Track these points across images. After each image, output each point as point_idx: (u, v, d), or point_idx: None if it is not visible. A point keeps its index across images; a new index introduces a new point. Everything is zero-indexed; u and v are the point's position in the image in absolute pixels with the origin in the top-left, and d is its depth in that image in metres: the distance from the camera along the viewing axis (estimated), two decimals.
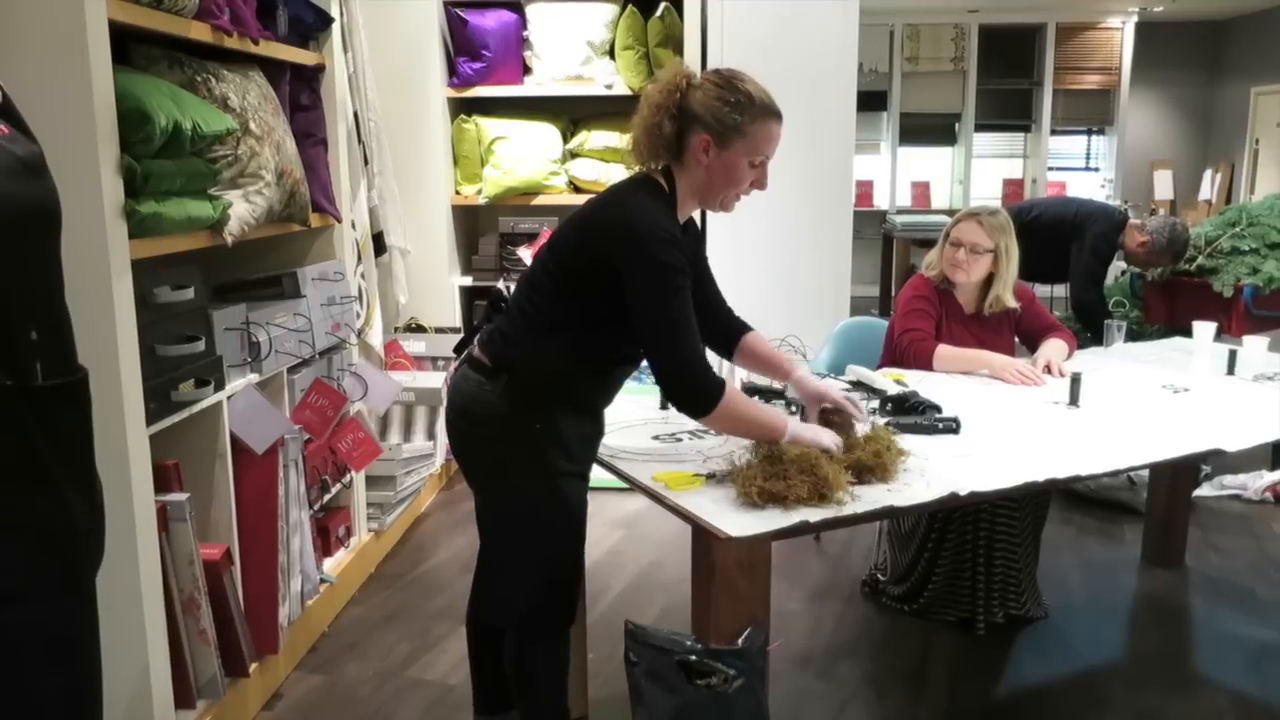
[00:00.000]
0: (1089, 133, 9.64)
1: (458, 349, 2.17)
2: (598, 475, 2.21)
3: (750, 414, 2.00)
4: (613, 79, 4.40)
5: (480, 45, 4.37)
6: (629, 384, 2.17)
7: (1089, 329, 4.15)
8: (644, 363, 2.02)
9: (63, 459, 1.32)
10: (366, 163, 3.53)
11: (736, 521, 1.76)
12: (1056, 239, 4.35)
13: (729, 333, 2.34)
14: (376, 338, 3.62)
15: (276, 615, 2.63)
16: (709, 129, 1.94)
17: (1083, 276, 4.37)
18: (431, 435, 4.12)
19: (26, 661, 1.30)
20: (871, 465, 2.00)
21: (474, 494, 2.16)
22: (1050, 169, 9.35)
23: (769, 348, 2.35)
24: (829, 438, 2.02)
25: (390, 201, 3.96)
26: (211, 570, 2.33)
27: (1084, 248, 4.35)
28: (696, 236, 2.27)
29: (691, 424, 2.26)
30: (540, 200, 4.50)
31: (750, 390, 2.55)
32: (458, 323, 4.58)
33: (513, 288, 2.16)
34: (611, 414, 2.27)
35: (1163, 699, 2.66)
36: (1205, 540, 3.70)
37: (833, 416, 2.17)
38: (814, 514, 1.81)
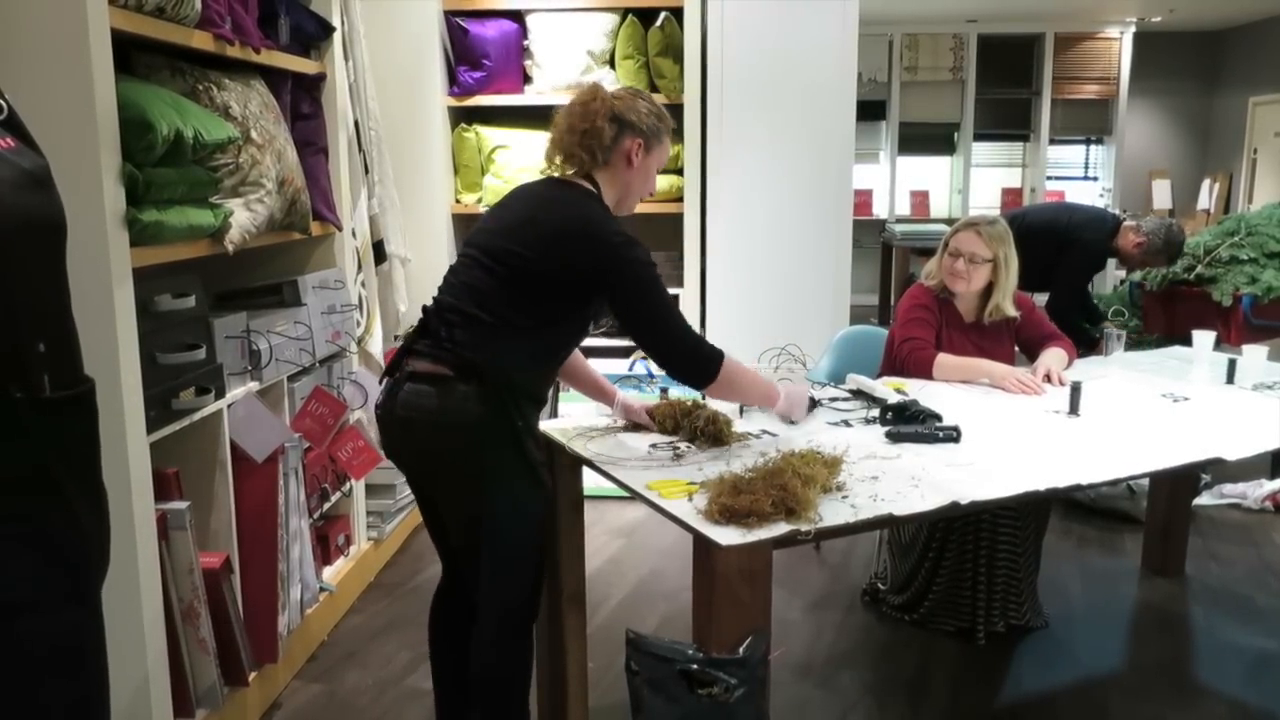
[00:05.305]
0: (1087, 142, 9.66)
1: (389, 371, 2.14)
2: (597, 483, 2.21)
3: (748, 379, 2.24)
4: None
5: (481, 54, 4.38)
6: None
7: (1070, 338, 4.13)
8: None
9: (71, 470, 1.32)
10: (367, 171, 3.53)
11: (733, 530, 1.75)
12: (1049, 247, 4.30)
13: None
14: (376, 346, 3.62)
15: (276, 624, 2.63)
16: (641, 134, 2.14)
17: (1064, 288, 4.36)
18: None
19: (36, 672, 1.30)
20: (707, 431, 2.23)
21: (444, 503, 2.19)
22: (1049, 178, 9.37)
23: (594, 372, 2.46)
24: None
25: (391, 210, 3.96)
26: (211, 579, 2.33)
27: (1072, 259, 4.33)
28: None
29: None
30: None
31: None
32: None
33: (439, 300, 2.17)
34: (608, 420, 2.27)
35: (1162, 708, 2.66)
36: (1205, 549, 3.70)
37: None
38: (802, 526, 1.79)
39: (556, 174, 2.19)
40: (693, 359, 2.11)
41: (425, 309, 2.15)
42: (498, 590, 2.13)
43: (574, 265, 2.04)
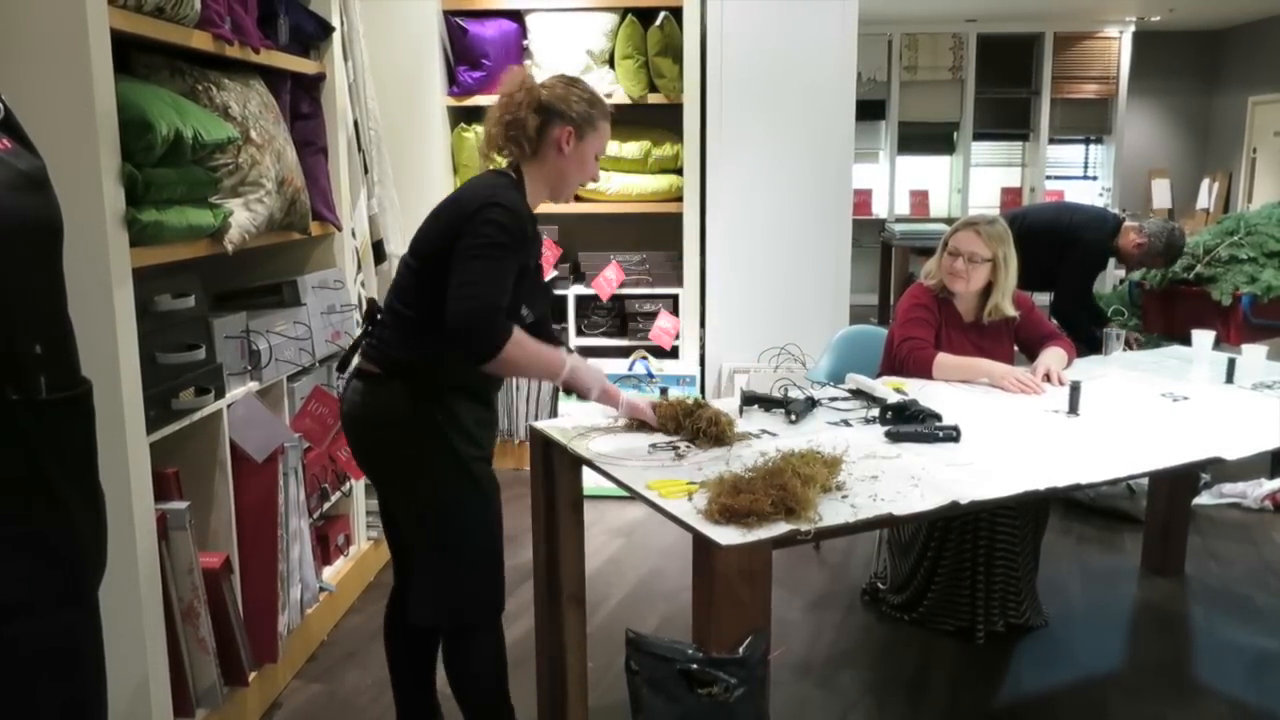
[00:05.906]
0: (1087, 142, 9.67)
1: (340, 368, 2.23)
2: (597, 483, 2.21)
3: (531, 357, 2.05)
4: (612, 88, 4.42)
5: (480, 54, 4.39)
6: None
7: (1075, 339, 4.14)
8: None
9: (67, 472, 1.32)
10: (366, 171, 3.53)
11: (733, 530, 1.75)
12: (1049, 247, 4.29)
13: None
14: None
15: (276, 624, 2.63)
16: (571, 122, 2.12)
17: (1068, 290, 4.36)
18: None
19: (31, 674, 1.30)
20: (709, 432, 2.21)
21: (391, 501, 2.22)
22: (1048, 178, 9.37)
23: None
24: (645, 407, 2.29)
25: (390, 210, 3.96)
26: (211, 579, 2.33)
27: (1073, 260, 4.33)
28: (538, 236, 2.31)
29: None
30: (540, 209, 4.50)
31: (750, 399, 2.56)
32: None
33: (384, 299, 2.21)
34: (609, 420, 2.26)
35: (1162, 707, 2.66)
36: (1205, 548, 3.70)
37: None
38: (801, 525, 1.79)
39: (492, 165, 2.23)
40: (477, 332, 1.93)
41: (368, 307, 2.22)
42: (445, 587, 2.13)
43: (450, 240, 1.99)
